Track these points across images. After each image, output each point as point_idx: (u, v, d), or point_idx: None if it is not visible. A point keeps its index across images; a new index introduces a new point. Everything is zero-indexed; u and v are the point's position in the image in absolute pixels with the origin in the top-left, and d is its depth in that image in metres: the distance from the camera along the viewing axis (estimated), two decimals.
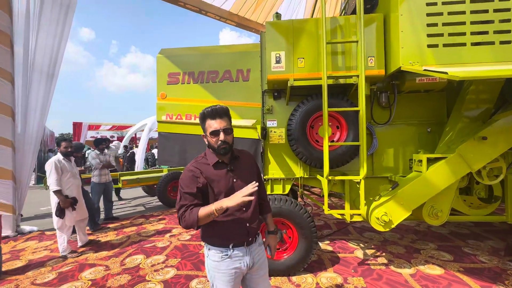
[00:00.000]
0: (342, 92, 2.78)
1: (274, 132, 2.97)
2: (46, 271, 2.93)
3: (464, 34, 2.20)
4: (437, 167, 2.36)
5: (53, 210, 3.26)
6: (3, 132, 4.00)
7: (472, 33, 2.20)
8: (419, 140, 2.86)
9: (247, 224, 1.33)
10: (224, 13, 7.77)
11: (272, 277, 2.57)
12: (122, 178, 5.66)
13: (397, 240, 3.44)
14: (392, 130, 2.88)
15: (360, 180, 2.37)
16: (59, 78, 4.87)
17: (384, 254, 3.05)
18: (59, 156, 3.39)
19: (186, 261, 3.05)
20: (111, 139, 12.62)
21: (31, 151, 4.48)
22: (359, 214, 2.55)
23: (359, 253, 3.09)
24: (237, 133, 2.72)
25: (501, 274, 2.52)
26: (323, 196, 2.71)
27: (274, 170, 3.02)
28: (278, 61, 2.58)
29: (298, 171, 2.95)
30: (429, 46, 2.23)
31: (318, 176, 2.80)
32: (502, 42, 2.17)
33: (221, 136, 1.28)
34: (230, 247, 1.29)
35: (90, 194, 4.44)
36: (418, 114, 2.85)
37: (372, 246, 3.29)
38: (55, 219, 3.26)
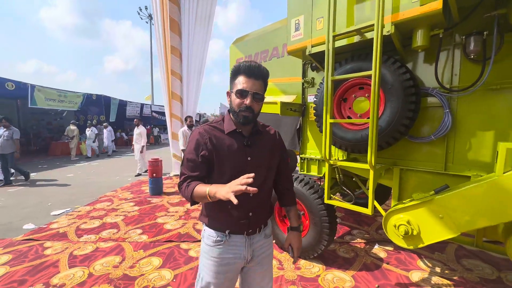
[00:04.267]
0: (392, 50, 1.97)
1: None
2: None
3: None
4: None
5: None
6: (177, 111, 6.53)
7: None
8: None
9: (250, 214, 1.11)
10: None
11: (283, 252, 2.61)
12: None
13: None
14: (489, 100, 1.69)
15: (369, 170, 1.75)
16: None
17: None
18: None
19: None
20: None
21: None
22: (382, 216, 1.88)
23: (416, 276, 2.20)
24: (267, 108, 2.91)
25: None
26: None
27: (312, 150, 2.80)
28: (297, 28, 2.33)
29: (336, 153, 2.54)
30: None
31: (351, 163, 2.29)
32: None
33: (248, 100, 1.03)
34: (227, 233, 1.10)
35: None
36: None
37: (456, 278, 2.17)
38: None
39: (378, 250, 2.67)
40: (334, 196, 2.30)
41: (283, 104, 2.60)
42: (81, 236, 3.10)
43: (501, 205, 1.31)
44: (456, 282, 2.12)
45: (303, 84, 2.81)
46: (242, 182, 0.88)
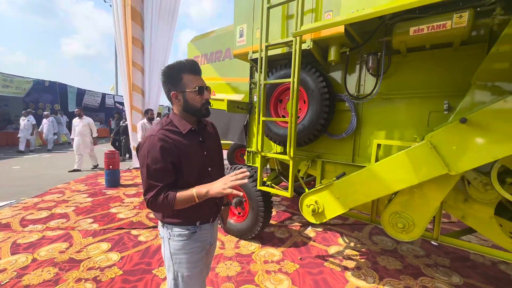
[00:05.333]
0: (315, 61, 2.36)
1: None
2: None
3: None
4: (393, 160, 1.67)
5: None
6: (138, 104, 6.46)
7: None
8: (430, 121, 1.96)
9: (216, 201, 1.23)
10: None
11: (227, 235, 2.92)
12: None
13: (411, 255, 2.54)
14: (387, 106, 2.15)
15: (289, 160, 2.12)
16: None
17: (363, 260, 2.46)
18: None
19: None
20: None
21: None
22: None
23: (334, 249, 2.67)
24: (214, 104, 3.14)
25: None
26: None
27: (255, 144, 3.12)
28: (241, 35, 2.61)
29: (275, 147, 2.89)
30: None
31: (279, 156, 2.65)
32: None
33: (208, 94, 1.13)
34: (197, 224, 1.17)
35: None
36: (428, 83, 1.93)
37: (363, 250, 2.68)
38: None
39: (310, 231, 3.11)
40: (270, 183, 2.65)
41: (230, 102, 2.87)
42: (26, 226, 3.07)
43: (372, 186, 1.75)
44: (362, 252, 2.62)
45: (250, 84, 3.11)
46: (239, 177, 0.99)
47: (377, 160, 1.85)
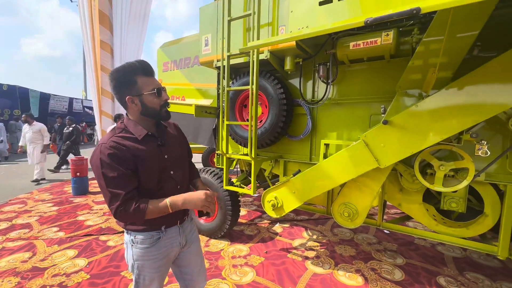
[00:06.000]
0: (274, 69, 2.57)
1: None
2: None
3: None
4: (336, 157, 1.92)
5: None
6: (107, 109, 6.31)
7: None
8: (372, 122, 2.25)
9: None
10: None
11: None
12: None
13: (365, 243, 2.84)
14: (337, 110, 2.41)
15: (251, 161, 2.31)
16: None
17: (322, 250, 2.71)
18: None
19: None
20: None
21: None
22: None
23: (297, 242, 2.90)
24: (184, 109, 3.24)
25: None
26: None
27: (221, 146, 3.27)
28: (206, 44, 2.77)
29: (242, 149, 3.06)
30: (321, 3, 1.77)
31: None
32: None
33: (165, 95, 1.10)
34: (163, 229, 1.14)
35: None
36: (368, 90, 2.22)
37: (324, 241, 2.94)
38: None
39: (278, 227, 3.31)
40: (239, 183, 2.82)
41: (198, 107, 3.00)
42: None
43: (322, 181, 1.99)
44: (323, 243, 2.88)
45: (217, 90, 3.26)
46: (213, 201, 1.06)
47: (326, 158, 2.09)
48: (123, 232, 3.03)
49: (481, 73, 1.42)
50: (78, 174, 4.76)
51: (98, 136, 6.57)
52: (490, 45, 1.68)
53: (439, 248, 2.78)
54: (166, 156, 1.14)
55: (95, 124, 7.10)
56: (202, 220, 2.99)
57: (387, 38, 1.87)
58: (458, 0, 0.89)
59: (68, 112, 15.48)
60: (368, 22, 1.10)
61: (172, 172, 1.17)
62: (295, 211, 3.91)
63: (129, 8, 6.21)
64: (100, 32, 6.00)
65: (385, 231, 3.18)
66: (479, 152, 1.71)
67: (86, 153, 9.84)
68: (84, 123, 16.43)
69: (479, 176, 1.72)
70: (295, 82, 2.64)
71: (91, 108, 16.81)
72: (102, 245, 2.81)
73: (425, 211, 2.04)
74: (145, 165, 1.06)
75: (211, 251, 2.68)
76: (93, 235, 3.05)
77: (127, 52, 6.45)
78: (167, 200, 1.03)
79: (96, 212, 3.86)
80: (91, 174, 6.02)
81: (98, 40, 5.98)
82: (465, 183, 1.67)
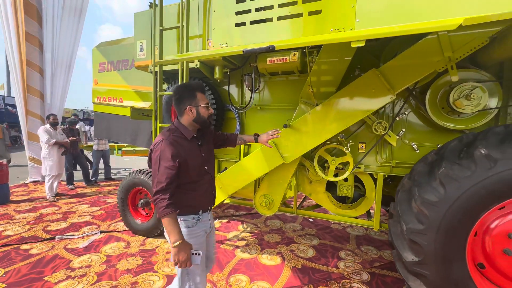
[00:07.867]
0: (206, 77, 2.82)
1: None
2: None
3: (271, 7, 1.97)
4: (252, 156, 2.26)
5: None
6: (34, 108, 5.70)
7: (280, 5, 1.94)
8: None
9: (212, 191, 1.55)
10: None
11: (135, 236, 3.07)
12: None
13: (290, 230, 3.28)
14: (261, 115, 2.76)
15: None
16: None
17: (253, 239, 3.05)
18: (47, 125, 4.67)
19: None
20: None
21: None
22: None
23: (232, 234, 3.19)
24: (121, 111, 3.23)
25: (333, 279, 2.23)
26: None
27: None
28: (141, 49, 2.87)
29: None
30: (237, 25, 2.09)
31: None
32: (310, 13, 1.85)
33: (211, 109, 1.47)
34: (200, 212, 1.44)
35: (84, 158, 5.86)
36: (285, 98, 2.63)
37: (256, 231, 3.29)
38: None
39: (216, 222, 3.55)
40: None
41: (134, 110, 3.07)
42: None
43: (242, 176, 2.31)
44: (255, 234, 3.22)
45: (155, 93, 3.36)
46: (188, 265, 1.27)
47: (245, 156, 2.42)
48: (48, 239, 2.90)
49: (347, 90, 1.90)
50: None
51: (24, 138, 5.85)
52: (366, 67, 2.22)
53: (348, 230, 3.38)
54: (203, 154, 1.47)
55: (19, 125, 6.31)
56: (138, 220, 3.04)
57: (294, 57, 2.29)
58: (297, 44, 1.28)
59: None
60: (244, 51, 1.47)
61: (206, 167, 1.49)
62: (235, 207, 4.21)
63: (62, 0, 5.74)
64: (26, 24, 5.42)
65: (310, 219, 3.69)
66: (359, 150, 2.24)
67: (12, 158, 8.53)
68: (6, 123, 14.14)
69: (359, 167, 2.24)
70: (224, 89, 2.94)
71: (13, 106, 14.60)
72: (23, 254, 2.64)
73: (327, 198, 2.53)
74: (189, 160, 1.36)
75: (146, 249, 2.77)
76: (12, 244, 2.83)
77: (60, 48, 5.94)
78: (175, 231, 1.25)
79: (18, 221, 3.53)
80: (12, 181, 5.38)
81: (23, 32, 5.39)
82: (347, 173, 2.16)
